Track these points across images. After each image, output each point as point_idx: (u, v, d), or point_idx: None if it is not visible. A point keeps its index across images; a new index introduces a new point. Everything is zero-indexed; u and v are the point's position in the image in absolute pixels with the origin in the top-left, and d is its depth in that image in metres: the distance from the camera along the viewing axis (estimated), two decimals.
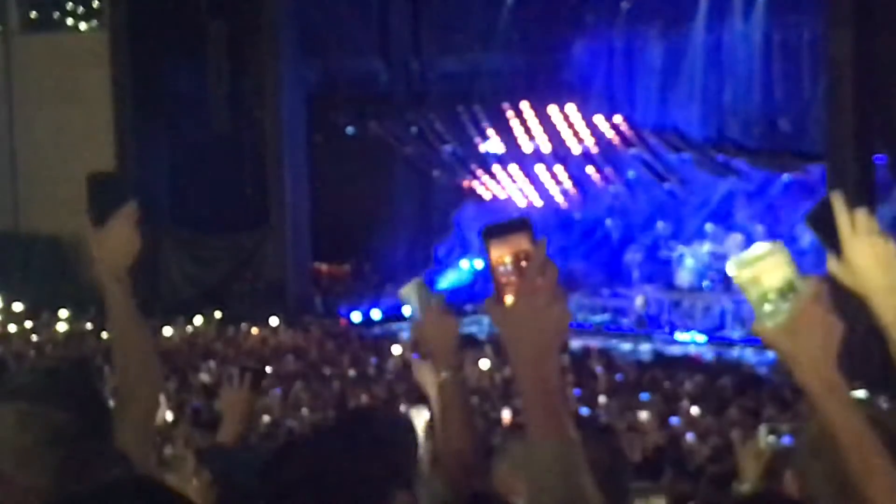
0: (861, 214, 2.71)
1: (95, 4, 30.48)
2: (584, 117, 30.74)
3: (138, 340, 3.54)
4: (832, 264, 2.74)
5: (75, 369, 3.39)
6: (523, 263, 2.41)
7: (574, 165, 31.17)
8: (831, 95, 23.25)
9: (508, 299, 2.43)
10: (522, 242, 2.39)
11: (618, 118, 30.46)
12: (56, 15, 31.33)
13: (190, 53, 29.18)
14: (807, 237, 26.21)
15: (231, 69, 29.50)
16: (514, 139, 31.27)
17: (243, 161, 29.75)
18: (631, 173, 30.59)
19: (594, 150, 30.85)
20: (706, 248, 27.51)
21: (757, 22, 28.31)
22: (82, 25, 31.16)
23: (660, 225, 29.70)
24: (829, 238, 2.71)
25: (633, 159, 30.46)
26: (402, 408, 14.61)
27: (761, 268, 2.58)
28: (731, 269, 2.62)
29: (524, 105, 30.98)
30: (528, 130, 31.19)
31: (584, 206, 31.26)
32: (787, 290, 2.59)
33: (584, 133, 30.77)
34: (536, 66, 31.08)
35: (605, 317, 27.23)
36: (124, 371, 3.50)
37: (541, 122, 31.07)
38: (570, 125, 30.83)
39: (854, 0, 22.28)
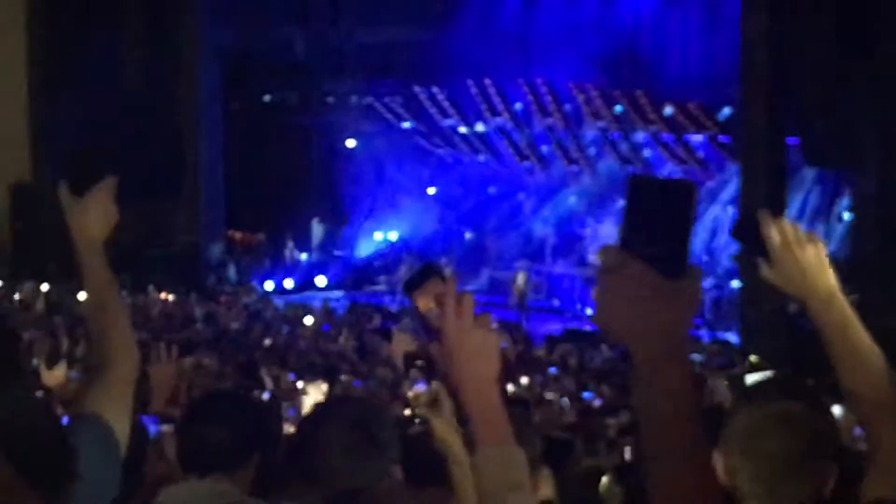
0: (786, 224, 2.86)
1: None
2: (503, 91, 30.88)
3: (115, 309, 3.64)
4: (766, 272, 2.90)
5: None
6: None
7: (491, 139, 31.33)
8: (745, 77, 23.42)
9: None
10: (439, 285, 2.52)
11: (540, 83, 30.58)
12: None
13: (106, 19, 28.82)
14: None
15: (147, 36, 29.19)
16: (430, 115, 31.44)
17: (157, 127, 29.49)
18: (544, 148, 30.75)
19: (510, 124, 31.00)
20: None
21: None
22: None
23: (572, 200, 29.89)
24: (758, 247, 2.86)
25: (547, 133, 30.63)
26: (338, 387, 14.58)
27: None
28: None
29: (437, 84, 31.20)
30: (441, 107, 31.36)
31: (497, 180, 31.42)
32: None
33: (503, 107, 30.91)
34: (455, 39, 31.14)
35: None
36: (100, 338, 3.56)
37: (457, 98, 31.22)
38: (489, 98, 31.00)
39: None
